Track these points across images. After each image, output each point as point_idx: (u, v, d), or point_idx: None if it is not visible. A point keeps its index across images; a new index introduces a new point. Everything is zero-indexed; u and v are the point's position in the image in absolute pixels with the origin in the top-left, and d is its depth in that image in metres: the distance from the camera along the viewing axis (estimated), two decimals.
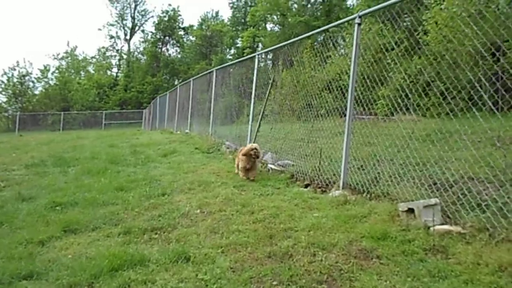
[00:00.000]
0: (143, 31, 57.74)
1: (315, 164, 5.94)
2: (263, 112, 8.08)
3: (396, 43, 5.54)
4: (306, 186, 5.76)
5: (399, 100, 5.08)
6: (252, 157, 6.33)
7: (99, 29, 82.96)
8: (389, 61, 5.57)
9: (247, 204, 4.86)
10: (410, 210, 3.69)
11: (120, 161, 9.07)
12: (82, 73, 60.27)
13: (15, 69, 51.02)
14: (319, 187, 5.52)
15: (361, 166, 5.42)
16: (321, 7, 36.01)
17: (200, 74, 14.34)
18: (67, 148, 12.10)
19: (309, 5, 36.53)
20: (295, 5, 35.88)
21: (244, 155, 6.41)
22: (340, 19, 7.23)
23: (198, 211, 4.83)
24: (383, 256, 3.13)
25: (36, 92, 52.93)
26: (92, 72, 59.98)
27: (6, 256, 3.80)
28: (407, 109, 5.11)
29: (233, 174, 6.87)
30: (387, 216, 3.88)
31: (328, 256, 3.21)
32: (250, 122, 8.53)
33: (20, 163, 9.58)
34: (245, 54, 31.13)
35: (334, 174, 5.55)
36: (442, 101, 4.50)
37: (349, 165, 5.26)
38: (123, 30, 57.78)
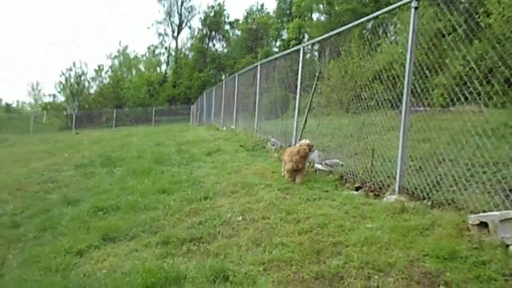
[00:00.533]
0: (190, 27, 58.70)
1: (367, 164, 5.43)
2: (310, 106, 7.62)
3: (457, 25, 4.87)
4: (357, 189, 5.28)
5: (462, 88, 4.45)
6: (307, 153, 5.89)
7: (148, 28, 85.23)
8: (448, 46, 4.94)
9: (292, 211, 4.48)
10: (483, 224, 3.15)
11: (165, 160, 8.99)
12: (133, 71, 62.51)
13: (71, 70, 53.93)
14: (372, 191, 5.03)
15: (419, 167, 4.85)
16: None
17: (245, 69, 14.06)
18: (115, 147, 12.32)
19: None
20: None
21: (297, 154, 5.83)
22: (391, 4, 6.59)
23: (240, 218, 4.52)
24: (452, 283, 2.65)
25: (92, 91, 55.77)
26: (143, 69, 61.98)
27: (44, 267, 3.72)
28: (467, 98, 4.45)
29: (278, 174, 6.51)
30: (453, 229, 3.35)
31: (385, 280, 2.77)
32: (295, 117, 8.11)
33: (71, 163, 9.81)
34: (290, 46, 30.48)
35: (388, 176, 5.02)
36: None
37: (405, 166, 4.72)
38: (170, 27, 58.91)
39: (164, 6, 57.81)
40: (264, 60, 11.63)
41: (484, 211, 3.34)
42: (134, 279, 3.13)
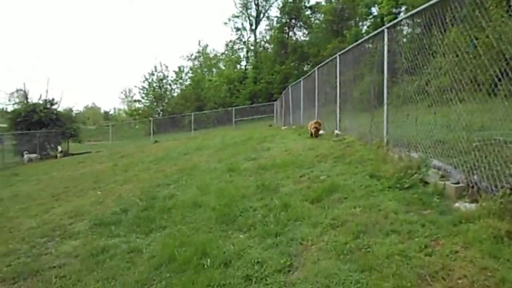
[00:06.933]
0: (268, 17, 54.64)
1: None
2: None
3: None
4: None
5: None
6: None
7: (225, 23, 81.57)
8: None
9: None
10: None
11: (237, 215, 4.84)
12: (214, 70, 60.32)
13: (153, 74, 53.24)
14: None
15: None
16: None
17: (353, 45, 9.38)
18: (172, 174, 8.52)
19: None
20: None
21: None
22: None
23: None
24: None
25: (174, 94, 54.59)
26: (223, 68, 59.45)
27: None
28: None
29: None
30: None
31: None
32: None
33: (93, 214, 6.21)
34: (386, 22, 24.80)
35: None
36: None
37: None
38: (248, 20, 55.60)
39: None
40: (394, 21, 6.83)
41: None
42: None
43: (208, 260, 3.64)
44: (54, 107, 30.79)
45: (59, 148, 28.44)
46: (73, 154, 28.42)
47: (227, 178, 7.07)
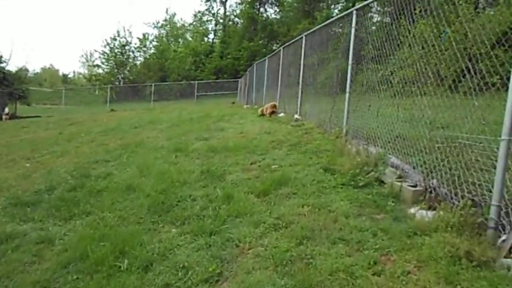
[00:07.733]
0: None
1: None
2: None
3: None
4: None
5: None
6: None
7: None
8: None
9: None
10: None
11: (172, 205, 4.30)
12: (180, 40, 58.11)
13: (116, 39, 50.44)
14: None
15: None
16: None
17: (320, 25, 8.86)
18: (115, 149, 7.79)
19: None
20: None
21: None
22: None
23: None
24: None
25: (137, 62, 52.10)
26: (190, 39, 57.39)
27: None
28: None
29: None
30: None
31: None
32: None
33: (16, 189, 5.46)
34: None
35: None
36: None
37: None
38: None
39: None
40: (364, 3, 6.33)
41: None
42: None
43: (126, 260, 3.09)
44: (2, 65, 28.51)
45: (6, 110, 26.53)
46: (21, 117, 26.60)
47: (172, 159, 6.46)
